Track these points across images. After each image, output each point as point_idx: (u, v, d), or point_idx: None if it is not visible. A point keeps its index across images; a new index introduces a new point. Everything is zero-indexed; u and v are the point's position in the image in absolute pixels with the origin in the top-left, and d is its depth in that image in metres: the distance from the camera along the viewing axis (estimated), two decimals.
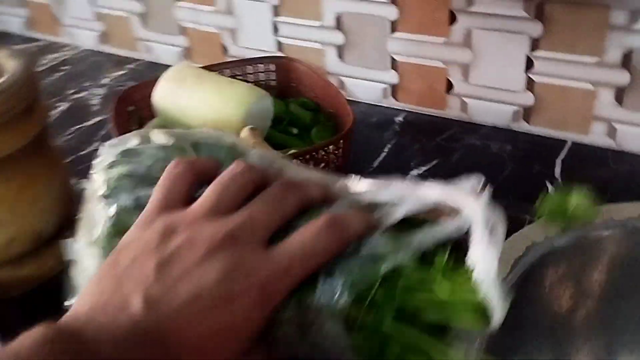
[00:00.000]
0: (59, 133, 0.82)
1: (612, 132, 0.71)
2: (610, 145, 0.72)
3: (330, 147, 0.62)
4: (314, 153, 0.61)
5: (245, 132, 0.65)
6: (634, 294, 0.63)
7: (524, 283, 0.58)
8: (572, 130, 0.73)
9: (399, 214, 0.30)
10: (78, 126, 0.86)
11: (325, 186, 0.32)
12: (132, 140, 0.36)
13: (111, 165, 0.35)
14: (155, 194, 0.31)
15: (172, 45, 1.00)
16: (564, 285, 0.62)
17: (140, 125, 0.72)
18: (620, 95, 0.68)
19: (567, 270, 0.62)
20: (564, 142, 0.74)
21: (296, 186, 0.31)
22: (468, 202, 0.31)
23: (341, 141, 0.62)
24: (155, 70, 1.01)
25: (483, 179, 0.31)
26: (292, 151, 0.63)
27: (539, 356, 0.61)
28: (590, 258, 0.62)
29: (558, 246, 0.60)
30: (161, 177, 0.31)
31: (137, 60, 1.05)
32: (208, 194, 0.30)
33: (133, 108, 0.72)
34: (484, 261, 0.27)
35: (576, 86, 0.70)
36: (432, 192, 0.32)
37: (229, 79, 0.72)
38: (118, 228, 0.32)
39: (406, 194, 0.32)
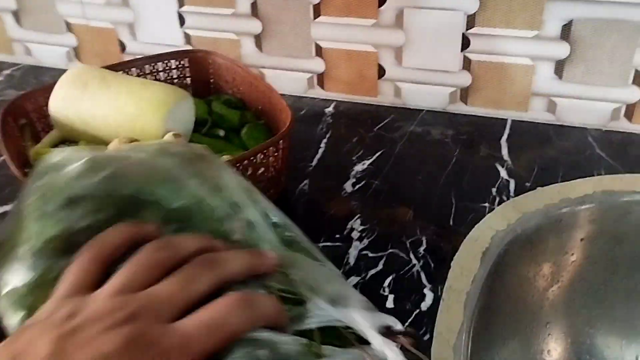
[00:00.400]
0: None
1: (552, 107, 0.69)
2: (550, 120, 0.70)
3: (270, 149, 0.54)
4: (252, 158, 0.53)
5: (168, 140, 0.56)
6: (599, 271, 0.61)
7: (494, 275, 0.54)
8: (511, 108, 0.70)
9: (312, 323, 0.30)
10: None
11: (252, 262, 0.31)
12: (57, 154, 0.34)
13: (35, 180, 0.33)
14: (65, 279, 0.30)
15: (57, 45, 0.87)
16: (531, 270, 0.59)
17: (36, 141, 0.60)
18: (559, 68, 0.66)
19: (532, 255, 0.59)
20: (504, 120, 0.71)
21: (214, 263, 0.31)
22: (379, 343, 0.30)
23: (281, 141, 0.55)
24: (38, 74, 0.88)
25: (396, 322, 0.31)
26: (226, 157, 0.54)
27: (508, 343, 0.59)
28: (554, 239, 0.59)
29: (522, 232, 0.57)
30: (74, 261, 0.31)
31: (15, 65, 0.91)
32: (118, 276, 0.30)
33: (25, 121, 0.60)
34: None
35: (514, 62, 0.67)
36: (352, 315, 0.31)
37: (141, 79, 0.62)
38: (38, 285, 0.30)
39: (329, 306, 0.31)
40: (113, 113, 0.58)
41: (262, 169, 0.55)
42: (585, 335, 0.64)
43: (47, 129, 0.62)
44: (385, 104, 0.75)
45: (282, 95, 0.78)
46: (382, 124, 0.72)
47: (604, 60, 0.64)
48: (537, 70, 0.67)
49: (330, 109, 0.76)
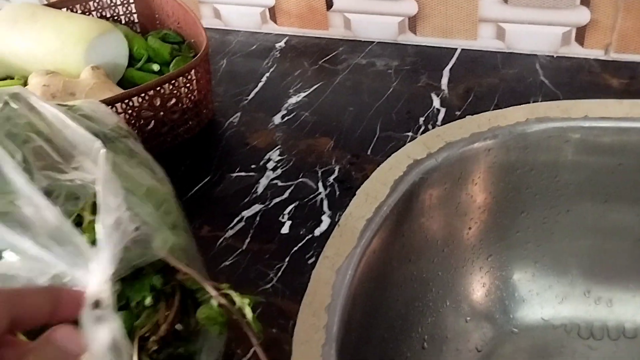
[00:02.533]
0: None
1: (501, 34, 0.65)
2: (500, 48, 0.66)
3: (180, 79, 0.54)
4: (158, 88, 0.53)
5: (86, 72, 0.57)
6: (521, 202, 0.59)
7: (405, 204, 0.53)
8: (461, 36, 0.67)
9: None
10: None
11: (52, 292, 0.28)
12: None
13: None
14: None
15: None
16: (452, 200, 0.57)
17: None
18: None
19: (456, 184, 0.57)
20: (453, 50, 0.68)
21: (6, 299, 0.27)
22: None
23: (193, 72, 0.55)
24: None
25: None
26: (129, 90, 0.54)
27: (429, 274, 0.57)
28: (474, 170, 0.57)
29: (442, 160, 0.55)
30: None
31: None
32: None
33: None
34: None
35: None
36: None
37: (69, 13, 0.63)
38: None
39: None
40: (38, 46, 0.59)
41: (174, 100, 0.55)
42: (528, 267, 0.62)
43: None
44: (337, 37, 0.73)
45: (237, 31, 0.78)
46: (328, 56, 0.71)
47: None
48: None
49: (281, 44, 0.75)
